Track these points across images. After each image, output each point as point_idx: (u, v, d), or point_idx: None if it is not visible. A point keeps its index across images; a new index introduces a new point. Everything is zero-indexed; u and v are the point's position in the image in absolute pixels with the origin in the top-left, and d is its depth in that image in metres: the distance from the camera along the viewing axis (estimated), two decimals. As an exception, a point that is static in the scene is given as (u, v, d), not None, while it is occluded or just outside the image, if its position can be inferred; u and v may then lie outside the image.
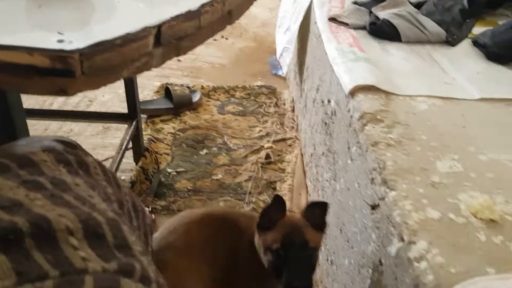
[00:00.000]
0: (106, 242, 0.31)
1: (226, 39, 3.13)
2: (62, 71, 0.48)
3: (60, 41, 0.49)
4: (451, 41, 1.42)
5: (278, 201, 0.88)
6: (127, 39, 0.51)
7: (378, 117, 1.01)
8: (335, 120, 1.29)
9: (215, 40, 3.08)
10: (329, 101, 1.39)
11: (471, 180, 0.81)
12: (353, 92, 1.12)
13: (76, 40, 0.49)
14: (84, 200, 0.34)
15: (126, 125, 1.61)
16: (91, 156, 0.47)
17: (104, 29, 0.53)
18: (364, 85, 1.11)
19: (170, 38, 0.56)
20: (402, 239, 0.72)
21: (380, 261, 0.82)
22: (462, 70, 1.25)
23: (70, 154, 0.44)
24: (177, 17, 0.57)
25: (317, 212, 0.91)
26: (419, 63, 1.28)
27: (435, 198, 0.76)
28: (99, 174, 0.44)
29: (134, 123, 1.60)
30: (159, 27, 0.54)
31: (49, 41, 0.49)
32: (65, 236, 0.29)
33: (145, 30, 0.53)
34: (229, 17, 0.69)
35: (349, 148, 1.09)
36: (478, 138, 0.94)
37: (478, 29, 1.50)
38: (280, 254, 0.84)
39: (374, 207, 0.87)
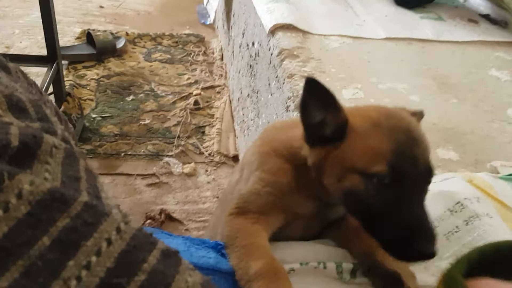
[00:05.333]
0: (28, 115, 0.34)
1: (152, -14, 2.99)
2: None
3: None
4: (365, -12, 1.52)
5: (316, 87, 0.49)
6: None
7: (295, 53, 1.08)
8: (258, 61, 1.35)
9: (140, -13, 2.94)
10: (253, 43, 1.44)
11: (370, 104, 0.92)
12: (273, 31, 1.17)
13: None
14: (6, 84, 0.36)
15: (45, 70, 1.53)
16: (13, 64, 0.47)
17: None
18: (283, 24, 1.17)
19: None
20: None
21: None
22: (372, 13, 1.35)
23: None
24: None
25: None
26: (335, 6, 1.36)
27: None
28: (21, 78, 0.45)
29: (54, 65, 1.52)
30: None
31: None
32: None
33: None
34: None
35: (269, 84, 1.16)
36: (380, 71, 1.06)
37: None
38: (390, 186, 0.46)
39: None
